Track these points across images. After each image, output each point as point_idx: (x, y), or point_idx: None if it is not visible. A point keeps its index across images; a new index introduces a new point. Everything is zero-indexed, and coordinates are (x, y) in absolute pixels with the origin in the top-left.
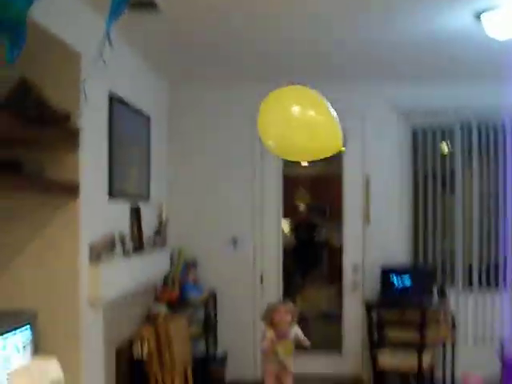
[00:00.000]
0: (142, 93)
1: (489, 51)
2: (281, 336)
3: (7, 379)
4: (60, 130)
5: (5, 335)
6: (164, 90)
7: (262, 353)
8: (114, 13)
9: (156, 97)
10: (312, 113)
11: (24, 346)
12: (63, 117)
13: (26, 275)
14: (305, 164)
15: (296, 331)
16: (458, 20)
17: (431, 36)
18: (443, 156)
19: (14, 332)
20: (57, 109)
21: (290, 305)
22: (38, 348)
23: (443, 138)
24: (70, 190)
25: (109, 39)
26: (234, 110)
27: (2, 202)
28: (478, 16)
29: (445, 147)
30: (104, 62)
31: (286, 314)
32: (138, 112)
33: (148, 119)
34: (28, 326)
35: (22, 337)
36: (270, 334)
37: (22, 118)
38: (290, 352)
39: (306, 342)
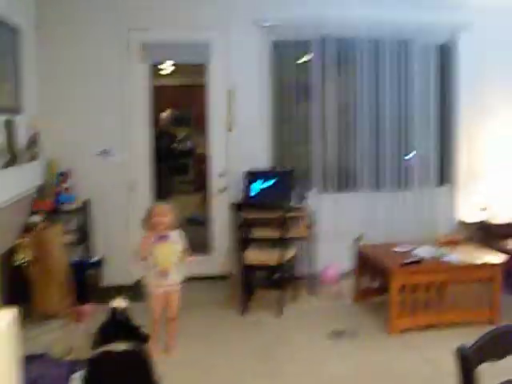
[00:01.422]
0: (8, 4)
1: None
2: (160, 238)
3: None
4: None
5: None
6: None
7: (140, 258)
8: None
9: (23, 8)
10: None
11: None
12: None
13: None
14: (168, 72)
15: (179, 238)
16: None
17: None
18: (303, 63)
19: None
20: None
21: (168, 206)
22: None
23: (303, 50)
24: None
25: None
26: (103, 17)
27: None
28: None
29: (304, 57)
30: None
31: (164, 215)
32: (3, 24)
33: (16, 31)
34: None
35: None
36: (148, 235)
37: None
38: (171, 256)
39: (189, 257)
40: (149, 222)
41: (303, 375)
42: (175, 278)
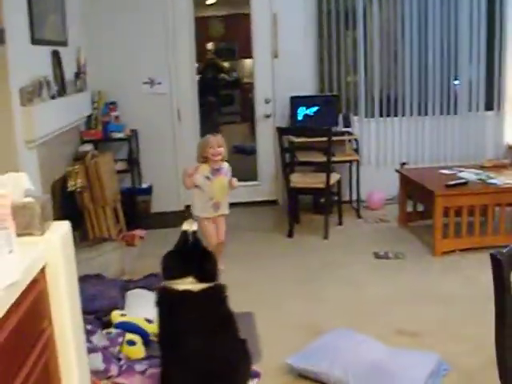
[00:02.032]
0: None
1: None
2: (215, 171)
3: None
4: None
5: None
6: None
7: (186, 184)
8: None
9: None
10: None
11: None
12: None
13: None
14: (213, 1)
15: (228, 169)
16: None
17: None
18: None
19: None
20: None
21: (220, 137)
22: None
23: None
24: None
25: None
26: None
27: None
28: None
29: None
30: None
31: (219, 145)
32: None
33: None
34: None
35: None
36: (203, 167)
37: None
38: (225, 189)
39: (235, 183)
40: (203, 153)
41: (346, 296)
42: (225, 209)
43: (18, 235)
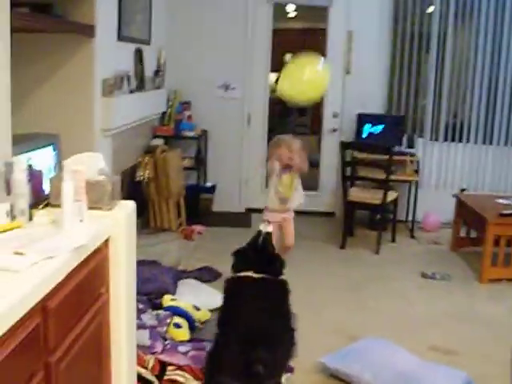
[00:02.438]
0: None
1: None
2: (285, 169)
3: (63, 167)
4: None
5: (33, 152)
6: None
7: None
8: None
9: None
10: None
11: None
12: None
13: (48, 104)
14: (292, 15)
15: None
16: None
17: None
18: (426, 14)
19: (41, 149)
20: None
21: (296, 141)
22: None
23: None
24: (88, 30)
25: None
26: None
27: (31, 38)
28: None
29: (429, 8)
30: None
31: (292, 150)
32: None
33: None
34: (52, 147)
35: (47, 156)
36: (276, 164)
37: None
38: (292, 186)
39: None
40: (279, 151)
41: (388, 309)
42: (293, 205)
43: (89, 208)
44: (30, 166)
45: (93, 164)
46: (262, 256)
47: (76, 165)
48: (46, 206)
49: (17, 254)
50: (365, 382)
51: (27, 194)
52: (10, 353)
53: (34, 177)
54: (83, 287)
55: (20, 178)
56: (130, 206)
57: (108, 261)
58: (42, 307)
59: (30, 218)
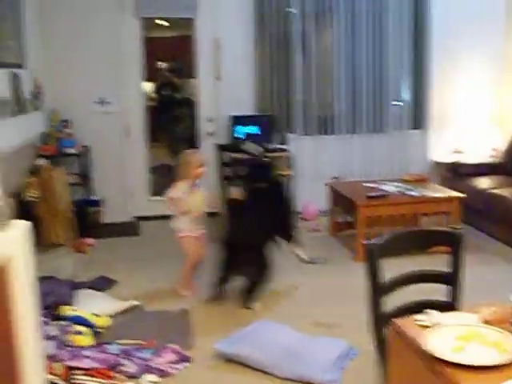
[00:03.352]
0: None
1: None
2: (194, 186)
3: None
4: None
5: None
6: None
7: (177, 211)
8: None
9: None
10: None
11: None
12: None
13: None
14: (163, 23)
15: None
16: None
17: None
18: (285, 15)
19: None
20: None
21: (200, 153)
22: None
23: (283, 3)
24: None
25: None
26: None
27: None
28: None
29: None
30: None
31: (203, 165)
32: None
33: None
34: None
35: None
36: (182, 186)
37: None
38: (203, 203)
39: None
40: (187, 170)
41: (277, 294)
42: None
43: None
44: None
45: None
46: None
47: None
48: None
49: None
50: (256, 361)
51: None
52: None
53: None
54: None
55: None
56: (24, 225)
57: (7, 283)
58: None
59: None
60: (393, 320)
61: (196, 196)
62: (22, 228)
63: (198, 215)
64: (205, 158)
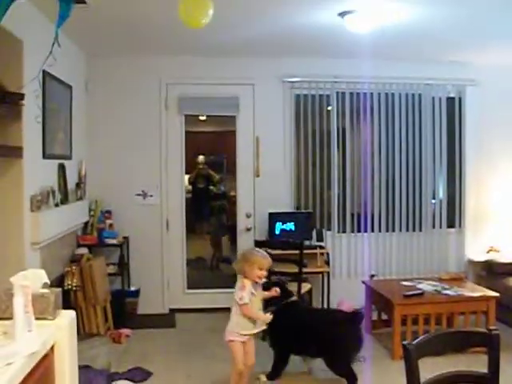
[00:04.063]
0: (65, 65)
1: (351, 38)
2: (256, 286)
3: (12, 282)
4: (9, 106)
5: None
6: (82, 61)
7: (242, 312)
8: (62, 18)
9: (76, 68)
10: None
11: None
12: (16, 96)
13: None
14: (203, 119)
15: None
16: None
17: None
18: (324, 114)
19: None
20: (8, 89)
21: (268, 259)
22: None
23: (323, 103)
24: (17, 152)
25: (57, 41)
26: (143, 77)
27: None
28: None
29: (327, 108)
30: (55, 59)
31: (266, 268)
32: (62, 83)
33: (70, 88)
34: None
35: None
36: (247, 283)
37: None
38: (260, 304)
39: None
40: (251, 270)
41: None
42: (261, 324)
43: (36, 318)
44: None
45: (37, 279)
46: None
47: (23, 280)
48: None
49: None
50: None
51: None
52: None
53: None
54: None
55: None
56: (71, 314)
57: (54, 365)
58: None
59: None
60: None
61: (258, 296)
62: (68, 317)
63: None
64: (269, 263)
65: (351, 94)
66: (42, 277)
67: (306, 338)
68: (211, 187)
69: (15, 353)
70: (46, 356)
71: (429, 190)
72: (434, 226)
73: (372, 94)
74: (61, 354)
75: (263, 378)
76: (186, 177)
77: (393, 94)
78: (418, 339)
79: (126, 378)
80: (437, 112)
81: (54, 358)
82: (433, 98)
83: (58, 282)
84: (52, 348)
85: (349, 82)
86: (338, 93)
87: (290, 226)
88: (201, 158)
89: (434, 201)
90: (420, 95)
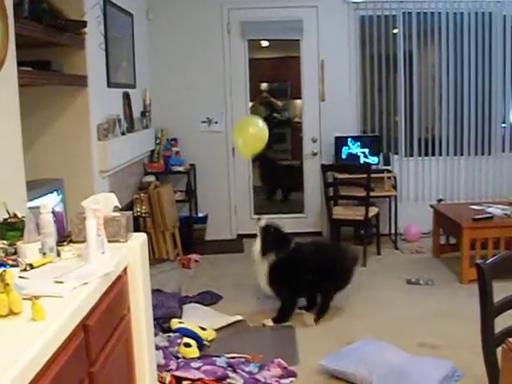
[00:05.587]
0: None
1: None
2: None
3: (83, 206)
4: (72, 34)
5: (45, 196)
6: None
7: None
8: None
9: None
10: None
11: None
12: (79, 24)
13: (50, 150)
14: (266, 45)
15: None
16: None
17: None
18: (390, 36)
19: (50, 194)
20: (70, 18)
21: None
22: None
23: (387, 25)
24: (82, 81)
25: None
26: (204, 2)
27: (33, 91)
28: None
29: (392, 30)
30: None
31: None
32: (124, 11)
33: (131, 17)
34: (58, 191)
35: (55, 199)
36: None
37: (44, 26)
38: None
39: None
40: None
41: (378, 314)
42: None
43: (108, 241)
44: (53, 209)
45: (108, 202)
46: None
47: (94, 204)
48: (69, 242)
49: (57, 282)
50: (361, 378)
51: (54, 233)
52: (63, 364)
53: (57, 218)
54: (112, 308)
55: (48, 219)
56: (142, 237)
57: (128, 286)
58: (83, 325)
59: (58, 254)
60: (508, 339)
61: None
62: (139, 239)
63: None
64: None
65: (418, 14)
66: (113, 200)
67: (319, 278)
68: (275, 114)
69: (90, 273)
70: (119, 277)
71: (498, 114)
72: (503, 150)
73: (440, 13)
74: (134, 275)
75: (269, 322)
76: (250, 105)
77: (462, 14)
78: (492, 258)
79: (197, 301)
80: (508, 31)
81: (128, 279)
82: (504, 17)
83: (127, 209)
84: (125, 270)
85: (416, 0)
86: (404, 13)
87: (356, 149)
88: (264, 85)
89: (504, 125)
90: (490, 14)
